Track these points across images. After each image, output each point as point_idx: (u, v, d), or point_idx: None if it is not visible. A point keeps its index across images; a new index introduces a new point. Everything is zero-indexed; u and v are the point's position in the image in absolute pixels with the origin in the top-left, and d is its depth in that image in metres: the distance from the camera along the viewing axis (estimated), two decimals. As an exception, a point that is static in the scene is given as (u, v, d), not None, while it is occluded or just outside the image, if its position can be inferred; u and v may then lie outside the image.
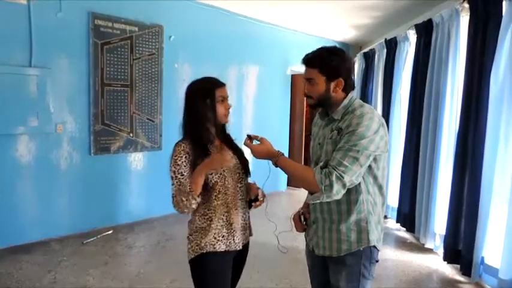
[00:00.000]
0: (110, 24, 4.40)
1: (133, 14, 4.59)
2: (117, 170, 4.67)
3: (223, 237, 1.76)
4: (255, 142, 1.78)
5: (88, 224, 4.38)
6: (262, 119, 6.39)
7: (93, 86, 4.33)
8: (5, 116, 3.72)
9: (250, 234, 1.96)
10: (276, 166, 1.71)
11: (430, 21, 4.36)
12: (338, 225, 1.69)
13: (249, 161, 1.93)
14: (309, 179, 1.57)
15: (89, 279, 3.30)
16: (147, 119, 4.85)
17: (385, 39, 5.68)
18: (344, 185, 1.53)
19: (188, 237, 1.83)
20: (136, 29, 4.63)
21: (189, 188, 1.65)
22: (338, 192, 1.53)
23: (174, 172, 1.71)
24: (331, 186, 1.51)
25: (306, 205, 1.95)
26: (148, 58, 4.79)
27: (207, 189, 1.74)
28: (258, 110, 6.34)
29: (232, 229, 1.79)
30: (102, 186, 4.52)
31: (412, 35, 4.91)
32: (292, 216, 2.00)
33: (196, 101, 1.76)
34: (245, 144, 1.78)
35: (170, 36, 4.95)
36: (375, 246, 1.70)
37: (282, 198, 6.52)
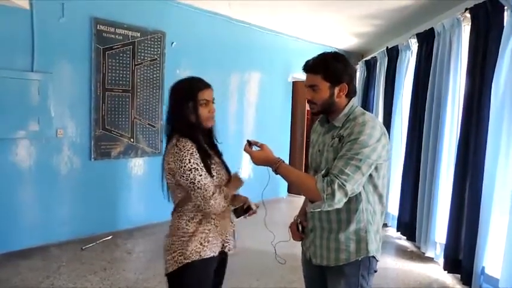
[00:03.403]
0: (112, 29, 4.42)
1: (135, 20, 4.61)
2: (117, 175, 4.66)
3: (208, 242, 1.71)
4: (254, 148, 1.75)
5: (87, 229, 4.36)
6: (263, 125, 6.39)
7: (95, 91, 4.34)
8: (5, 120, 3.73)
9: (235, 245, 1.91)
10: (276, 173, 1.68)
11: (431, 30, 4.37)
12: (337, 234, 1.67)
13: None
14: (311, 187, 1.55)
15: (88, 285, 3.28)
16: (148, 124, 4.85)
17: (387, 47, 5.70)
18: (346, 194, 1.51)
19: (170, 246, 1.72)
20: (138, 34, 4.65)
21: (228, 196, 1.72)
22: (340, 201, 1.52)
23: (195, 169, 1.63)
24: (333, 194, 1.49)
25: (303, 213, 1.93)
26: (150, 64, 4.80)
27: None
28: (259, 117, 6.34)
29: (217, 232, 1.76)
30: (102, 191, 4.51)
31: (414, 44, 4.92)
32: (290, 225, 1.98)
33: (180, 104, 1.72)
34: (245, 150, 1.74)
35: (172, 43, 4.97)
36: (373, 257, 1.68)
37: (282, 205, 6.50)
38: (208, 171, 1.68)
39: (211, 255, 1.72)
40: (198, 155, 1.65)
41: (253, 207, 1.85)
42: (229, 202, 1.73)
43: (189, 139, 1.68)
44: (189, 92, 1.71)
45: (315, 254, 1.76)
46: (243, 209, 1.86)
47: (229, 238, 1.84)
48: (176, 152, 1.64)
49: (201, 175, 1.63)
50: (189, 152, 1.63)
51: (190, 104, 1.70)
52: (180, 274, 1.68)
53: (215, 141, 1.89)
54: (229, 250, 1.83)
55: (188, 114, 1.70)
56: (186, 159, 1.62)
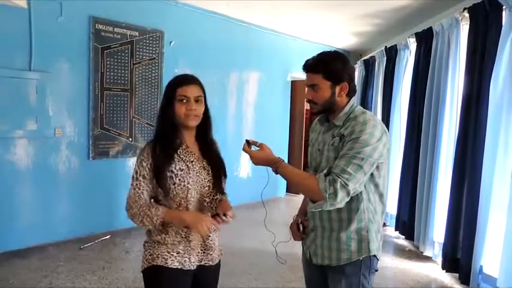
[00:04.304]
0: (110, 28, 4.41)
1: (134, 19, 4.60)
2: (115, 175, 4.65)
3: (178, 253, 1.62)
4: (253, 148, 1.71)
5: (86, 228, 4.35)
6: (262, 124, 6.39)
7: (93, 90, 4.33)
8: (3, 120, 3.72)
9: (219, 256, 1.79)
10: (277, 173, 1.66)
11: (430, 29, 4.37)
12: (338, 233, 1.66)
13: (226, 176, 1.79)
14: (313, 187, 1.54)
15: (86, 285, 3.27)
16: (147, 123, 4.84)
17: (386, 47, 5.70)
18: (348, 193, 1.51)
19: (144, 244, 1.71)
20: (137, 33, 4.64)
21: (156, 220, 1.55)
22: (342, 201, 1.51)
23: (137, 173, 1.61)
24: (335, 194, 1.48)
25: (303, 213, 1.92)
26: (149, 63, 4.80)
27: (166, 197, 1.62)
28: (258, 116, 6.34)
29: (190, 247, 1.64)
30: (100, 190, 4.51)
31: (412, 43, 4.92)
32: (290, 225, 1.97)
33: (163, 99, 1.66)
34: (244, 150, 1.70)
35: (171, 42, 4.96)
36: (375, 256, 1.68)
37: (281, 204, 6.50)
38: (160, 178, 1.58)
39: (179, 267, 1.62)
40: (150, 161, 1.59)
41: (228, 216, 1.64)
42: (153, 225, 1.57)
43: (156, 142, 1.63)
44: (170, 89, 1.64)
45: (316, 253, 1.75)
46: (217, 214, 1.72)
47: (204, 252, 1.70)
48: (138, 154, 1.67)
49: (131, 184, 1.62)
50: (140, 158, 1.62)
51: (170, 100, 1.63)
52: (148, 274, 1.66)
53: (208, 141, 1.76)
54: (205, 263, 1.70)
55: (169, 112, 1.62)
56: (136, 164, 1.63)
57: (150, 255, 1.64)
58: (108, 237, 4.37)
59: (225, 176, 1.78)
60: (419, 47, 4.67)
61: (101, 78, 4.38)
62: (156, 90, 4.88)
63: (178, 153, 1.64)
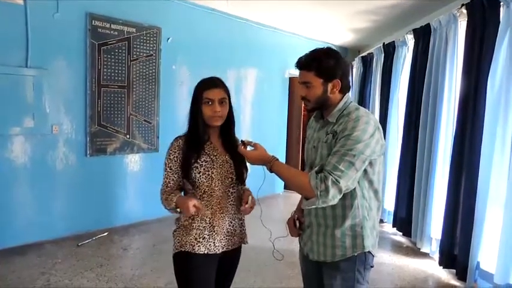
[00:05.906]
0: (107, 25, 4.39)
1: (131, 15, 4.58)
2: (113, 172, 4.65)
3: (203, 239, 1.78)
4: (249, 148, 1.76)
5: (83, 226, 4.35)
6: (260, 121, 6.39)
7: (90, 87, 4.31)
8: (0, 117, 3.70)
9: (244, 242, 1.96)
10: (271, 171, 1.69)
11: (428, 26, 4.37)
12: (333, 230, 1.67)
13: (248, 169, 1.92)
14: (304, 184, 1.55)
15: (84, 282, 3.28)
16: (144, 120, 4.83)
17: (383, 43, 5.69)
18: (340, 190, 1.51)
19: (173, 233, 1.87)
20: (134, 30, 4.62)
21: (171, 204, 1.74)
22: (334, 198, 1.51)
23: (166, 164, 1.82)
24: (327, 191, 1.49)
25: (300, 209, 1.92)
26: (146, 59, 4.78)
27: (194, 187, 1.79)
28: (256, 113, 6.33)
29: (214, 232, 1.79)
30: (98, 188, 4.50)
31: (410, 40, 4.92)
32: (287, 221, 1.98)
33: (192, 100, 1.83)
34: (239, 150, 1.76)
35: (168, 38, 4.94)
36: (370, 252, 1.68)
37: (279, 201, 6.51)
38: (186, 170, 1.77)
39: (205, 252, 1.77)
40: (177, 154, 1.79)
41: (249, 204, 1.82)
42: (170, 207, 1.76)
43: (186, 137, 1.82)
44: (197, 92, 1.81)
45: (312, 249, 1.76)
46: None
47: (228, 238, 1.85)
48: (168, 147, 1.86)
49: (163, 174, 1.83)
50: (170, 150, 1.83)
51: (197, 102, 1.79)
52: (177, 259, 1.82)
53: (232, 138, 1.90)
54: (227, 249, 1.85)
55: (197, 112, 1.79)
56: (166, 156, 1.83)
57: (178, 242, 1.81)
58: (105, 234, 4.37)
59: (246, 169, 1.92)
60: (417, 44, 4.66)
61: (98, 74, 4.36)
62: (153, 87, 4.87)
63: (204, 147, 1.82)
